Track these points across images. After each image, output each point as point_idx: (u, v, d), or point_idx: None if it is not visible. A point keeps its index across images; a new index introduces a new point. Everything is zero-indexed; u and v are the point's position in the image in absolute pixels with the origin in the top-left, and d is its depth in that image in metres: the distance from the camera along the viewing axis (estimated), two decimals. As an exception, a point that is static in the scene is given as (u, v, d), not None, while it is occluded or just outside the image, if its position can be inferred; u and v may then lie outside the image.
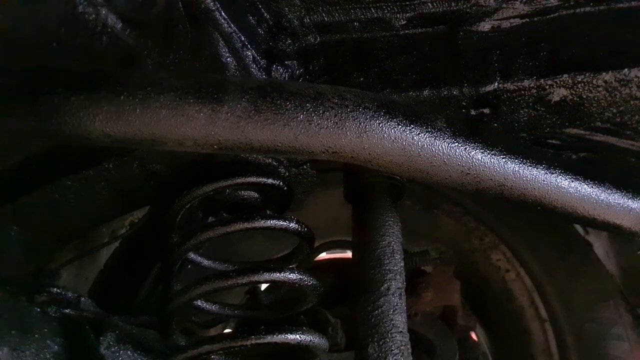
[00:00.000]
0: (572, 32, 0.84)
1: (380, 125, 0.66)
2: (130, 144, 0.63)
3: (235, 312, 0.95)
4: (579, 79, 0.83)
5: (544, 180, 0.79)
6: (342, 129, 0.65)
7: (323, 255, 1.68)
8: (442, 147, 0.70)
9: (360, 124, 0.66)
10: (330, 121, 0.65)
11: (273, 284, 1.27)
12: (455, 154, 0.72)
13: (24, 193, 0.95)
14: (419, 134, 0.69)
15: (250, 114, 0.62)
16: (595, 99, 0.86)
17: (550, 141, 1.14)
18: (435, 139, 0.70)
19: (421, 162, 0.71)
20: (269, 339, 0.70)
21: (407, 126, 0.68)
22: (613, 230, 0.92)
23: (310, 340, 0.73)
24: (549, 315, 1.10)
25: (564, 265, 1.13)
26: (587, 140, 1.15)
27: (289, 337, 0.71)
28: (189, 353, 0.68)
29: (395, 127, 0.67)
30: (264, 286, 1.53)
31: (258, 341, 0.69)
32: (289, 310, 1.00)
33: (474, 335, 1.38)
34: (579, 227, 1.45)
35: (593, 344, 1.04)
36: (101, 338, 0.80)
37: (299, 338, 0.72)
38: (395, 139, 0.67)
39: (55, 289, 0.85)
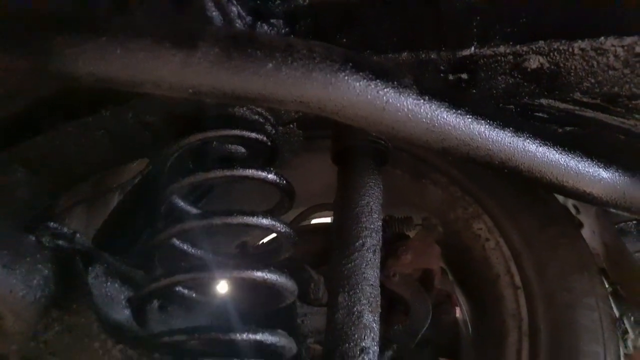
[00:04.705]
0: (553, -1, 0.86)
1: (346, 77, 0.70)
2: (113, 84, 0.69)
3: (218, 258, 1.01)
4: (555, 46, 0.84)
5: (510, 143, 0.82)
6: (309, 79, 0.69)
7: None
8: (407, 102, 0.74)
9: (326, 75, 0.69)
10: (298, 71, 0.69)
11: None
12: (420, 110, 0.75)
13: (29, 137, 1.02)
14: (384, 88, 0.72)
15: (222, 61, 0.67)
16: (573, 67, 0.87)
17: (537, 114, 1.16)
18: (400, 94, 0.73)
19: (386, 117, 0.74)
20: (235, 274, 0.76)
21: (372, 80, 0.71)
22: (584, 199, 0.94)
23: (276, 279, 0.78)
24: (523, 283, 1.13)
25: (543, 237, 1.16)
26: (576, 116, 1.16)
27: (254, 273, 0.76)
28: (162, 282, 0.75)
29: (360, 81, 0.71)
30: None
31: (226, 274, 0.75)
32: (269, 260, 1.06)
33: (457, 307, 1.43)
34: (570, 207, 1.47)
35: (563, 312, 1.07)
36: (90, 269, 0.88)
37: (265, 276, 0.77)
38: (360, 92, 0.71)
39: (52, 223, 0.93)
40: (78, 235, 0.94)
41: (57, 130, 1.02)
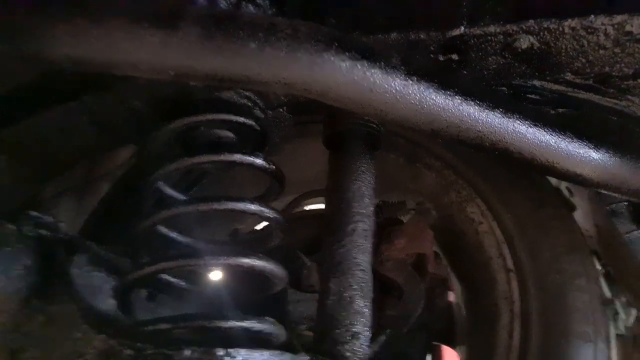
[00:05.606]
0: (544, -23, 0.83)
1: (332, 57, 0.68)
2: (90, 66, 0.66)
3: (206, 246, 0.99)
4: (545, 25, 0.82)
5: (499, 124, 0.81)
6: (294, 59, 0.67)
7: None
8: (394, 83, 0.72)
9: (311, 55, 0.67)
10: (282, 51, 0.67)
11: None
12: (408, 91, 0.73)
13: (10, 123, 1.00)
14: (371, 69, 0.70)
15: (203, 41, 0.65)
16: (563, 47, 0.86)
17: (530, 96, 1.14)
18: (387, 75, 0.71)
19: (374, 98, 0.72)
20: (223, 260, 0.74)
21: (358, 61, 0.69)
22: (575, 181, 0.93)
23: (264, 266, 0.77)
24: (515, 265, 1.13)
25: (535, 220, 1.15)
26: (569, 98, 1.15)
27: (241, 260, 0.75)
28: (146, 270, 0.73)
29: (346, 61, 0.69)
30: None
31: (212, 262, 0.74)
32: (260, 247, 1.05)
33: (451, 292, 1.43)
34: (564, 190, 1.46)
35: (554, 293, 1.07)
36: (73, 258, 0.86)
37: (253, 262, 0.76)
38: (347, 72, 0.69)
39: (34, 213, 0.91)
40: (61, 224, 0.92)
41: (39, 117, 0.99)
